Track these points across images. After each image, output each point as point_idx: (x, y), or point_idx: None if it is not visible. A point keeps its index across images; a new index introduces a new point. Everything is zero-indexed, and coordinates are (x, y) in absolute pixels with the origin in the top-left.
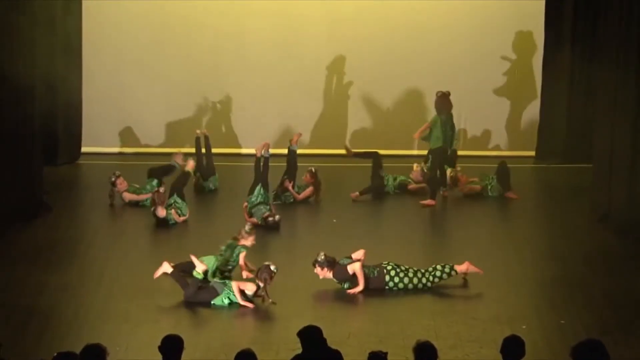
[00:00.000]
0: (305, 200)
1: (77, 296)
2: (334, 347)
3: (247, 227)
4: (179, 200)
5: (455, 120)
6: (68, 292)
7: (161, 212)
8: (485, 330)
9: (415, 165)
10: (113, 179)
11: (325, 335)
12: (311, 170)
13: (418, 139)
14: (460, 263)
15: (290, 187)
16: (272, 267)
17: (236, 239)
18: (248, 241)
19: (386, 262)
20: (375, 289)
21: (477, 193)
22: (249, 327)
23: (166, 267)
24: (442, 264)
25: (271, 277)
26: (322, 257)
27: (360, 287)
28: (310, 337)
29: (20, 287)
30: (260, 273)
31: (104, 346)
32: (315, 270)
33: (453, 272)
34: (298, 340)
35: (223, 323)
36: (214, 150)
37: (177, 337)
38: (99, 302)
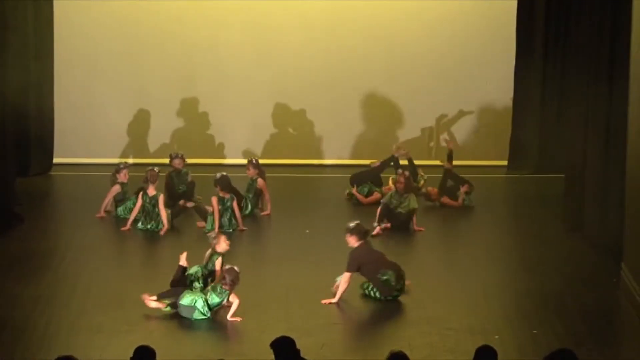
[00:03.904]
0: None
1: (49, 308)
2: (307, 358)
3: (212, 234)
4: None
5: (428, 130)
6: (40, 304)
7: (151, 191)
8: (458, 341)
9: (391, 180)
10: (121, 166)
11: (298, 346)
12: (252, 160)
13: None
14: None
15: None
16: (236, 269)
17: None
18: (221, 247)
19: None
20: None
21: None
22: (222, 338)
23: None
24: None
25: (237, 280)
26: (354, 225)
27: (335, 300)
28: (284, 348)
29: None
30: (227, 275)
31: (76, 358)
32: (345, 237)
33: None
34: (271, 351)
35: (196, 334)
36: (190, 161)
37: (150, 348)
38: (72, 313)
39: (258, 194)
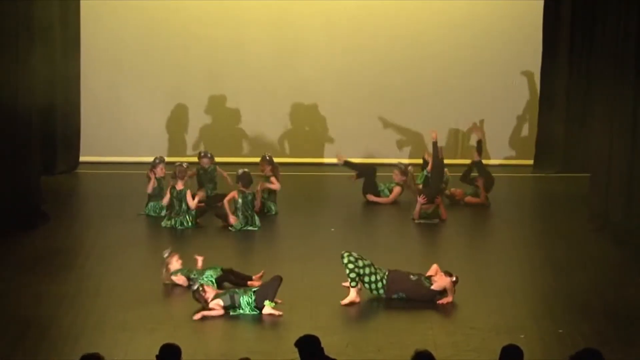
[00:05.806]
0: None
1: (74, 306)
2: (332, 356)
3: (166, 253)
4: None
5: (453, 130)
6: (66, 302)
7: (179, 186)
8: (483, 340)
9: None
10: (157, 161)
11: (323, 344)
12: (265, 157)
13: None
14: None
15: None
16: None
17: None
18: (173, 266)
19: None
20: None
21: (480, 204)
22: (247, 336)
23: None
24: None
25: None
26: (455, 278)
27: (450, 299)
28: (308, 346)
29: (18, 297)
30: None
31: (101, 355)
32: (436, 266)
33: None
34: (296, 350)
35: (221, 332)
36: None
37: (175, 345)
38: (97, 311)
39: (271, 191)
